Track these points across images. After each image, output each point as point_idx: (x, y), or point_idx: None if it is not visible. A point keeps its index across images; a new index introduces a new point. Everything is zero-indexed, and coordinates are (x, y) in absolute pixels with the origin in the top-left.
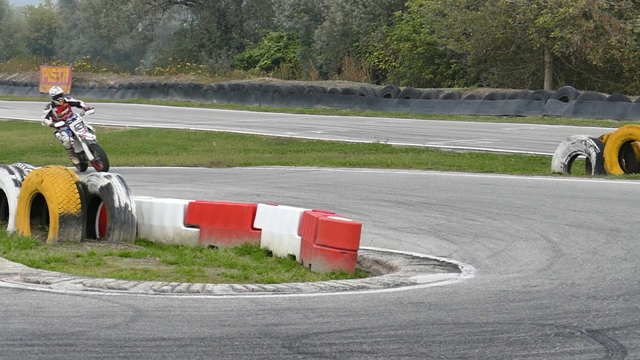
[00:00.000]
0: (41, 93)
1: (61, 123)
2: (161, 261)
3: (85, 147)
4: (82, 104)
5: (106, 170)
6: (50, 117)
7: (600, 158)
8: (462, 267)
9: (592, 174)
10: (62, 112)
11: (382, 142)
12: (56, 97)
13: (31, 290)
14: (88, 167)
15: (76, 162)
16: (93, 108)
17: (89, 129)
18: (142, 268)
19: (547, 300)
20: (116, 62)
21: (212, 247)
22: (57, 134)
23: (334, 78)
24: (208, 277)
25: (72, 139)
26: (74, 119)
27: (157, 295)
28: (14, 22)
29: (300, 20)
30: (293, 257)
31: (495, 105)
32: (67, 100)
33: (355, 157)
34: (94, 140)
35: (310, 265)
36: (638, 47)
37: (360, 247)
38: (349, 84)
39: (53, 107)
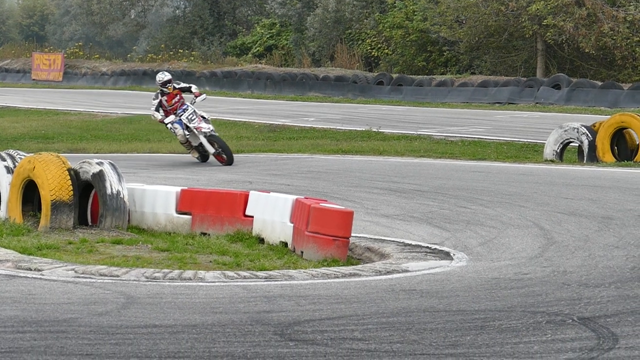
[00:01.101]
0: (33, 80)
1: (171, 117)
2: (153, 248)
3: (203, 140)
4: (194, 88)
5: (230, 163)
6: (160, 109)
7: (592, 146)
8: (454, 254)
9: (585, 161)
10: (173, 101)
11: (374, 130)
12: (164, 83)
13: (23, 277)
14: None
15: (195, 155)
16: (204, 93)
17: (204, 118)
18: (134, 255)
19: (538, 288)
20: (108, 49)
21: (204, 234)
22: (169, 126)
23: (327, 65)
24: (200, 264)
25: (186, 131)
26: (185, 110)
27: (149, 282)
28: (6, 9)
29: (292, 8)
30: (285, 244)
31: (487, 92)
32: (176, 86)
33: (348, 145)
34: (211, 130)
35: (302, 252)
36: (630, 34)
37: (352, 235)
38: (342, 71)
39: (162, 95)
